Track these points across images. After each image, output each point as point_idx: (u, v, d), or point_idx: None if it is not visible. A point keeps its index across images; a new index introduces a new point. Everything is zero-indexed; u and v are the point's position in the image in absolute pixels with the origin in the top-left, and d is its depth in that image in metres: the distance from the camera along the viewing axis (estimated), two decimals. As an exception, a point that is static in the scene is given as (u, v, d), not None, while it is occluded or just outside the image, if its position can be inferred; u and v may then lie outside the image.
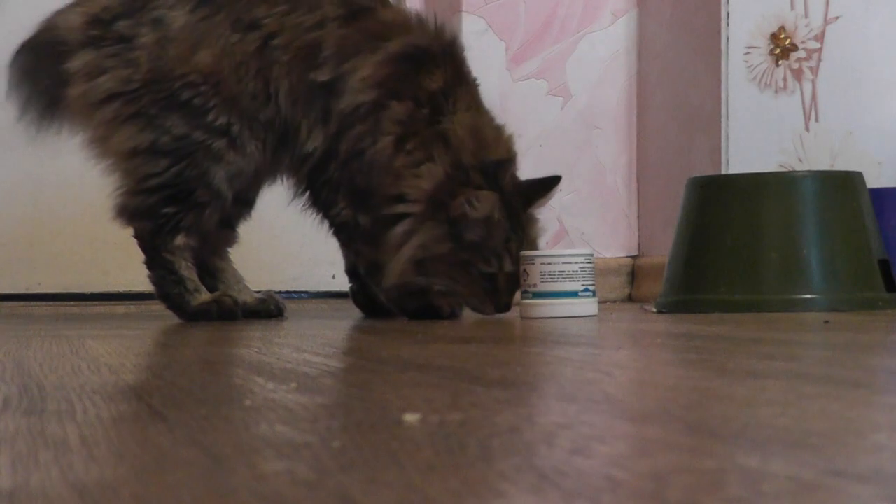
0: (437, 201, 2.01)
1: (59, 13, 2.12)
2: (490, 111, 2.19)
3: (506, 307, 2.08)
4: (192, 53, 2.03)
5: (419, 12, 2.26)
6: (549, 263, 2.03)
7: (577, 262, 2.04)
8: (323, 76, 2.04)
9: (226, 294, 2.15)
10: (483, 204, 1.99)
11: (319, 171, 2.09)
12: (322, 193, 2.11)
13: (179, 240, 2.09)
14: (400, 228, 2.04)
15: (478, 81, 2.19)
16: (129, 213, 2.11)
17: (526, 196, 2.10)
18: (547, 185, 2.14)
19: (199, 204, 2.07)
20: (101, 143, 2.10)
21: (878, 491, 0.56)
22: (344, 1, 2.08)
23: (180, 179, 2.05)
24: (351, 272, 2.25)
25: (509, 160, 2.11)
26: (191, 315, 2.11)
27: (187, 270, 2.11)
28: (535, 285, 2.03)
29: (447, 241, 2.02)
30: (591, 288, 2.06)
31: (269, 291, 2.29)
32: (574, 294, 2.04)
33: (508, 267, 2.03)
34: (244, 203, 2.23)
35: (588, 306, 2.06)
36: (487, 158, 2.06)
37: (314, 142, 2.06)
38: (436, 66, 2.08)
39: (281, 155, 2.12)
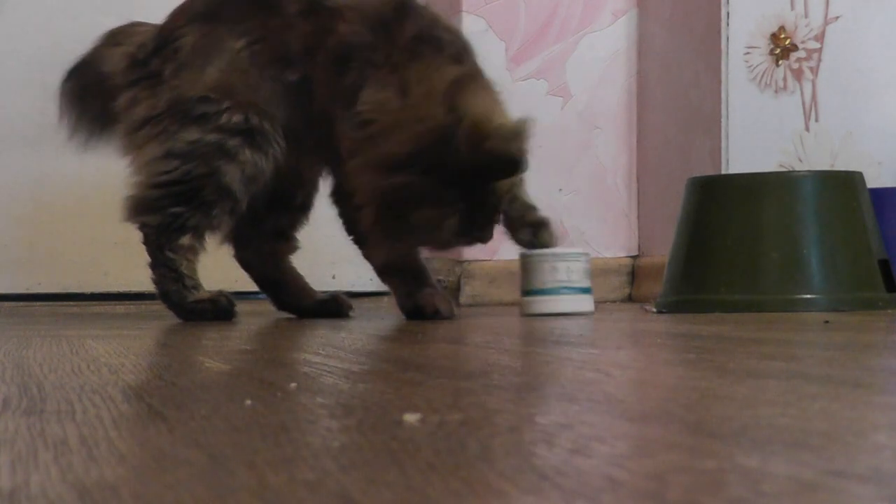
0: None
1: (105, 49, 2.29)
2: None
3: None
4: (201, 73, 2.13)
5: None
6: (548, 262, 2.06)
7: (575, 261, 2.07)
8: (293, 76, 2.11)
9: (222, 294, 2.17)
10: None
11: None
12: None
13: (185, 240, 2.13)
14: None
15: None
16: (138, 207, 2.17)
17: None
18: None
19: (207, 203, 2.11)
20: (133, 162, 2.22)
21: (878, 491, 0.56)
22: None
23: (189, 177, 2.11)
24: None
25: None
26: (187, 312, 2.15)
27: (188, 269, 2.14)
28: (534, 283, 2.07)
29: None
30: (587, 286, 2.11)
31: (335, 292, 2.33)
32: (572, 291, 2.07)
33: None
34: (299, 209, 2.28)
35: (584, 303, 2.10)
36: None
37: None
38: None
39: (322, 152, 2.16)
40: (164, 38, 2.20)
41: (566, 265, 2.07)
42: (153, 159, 2.15)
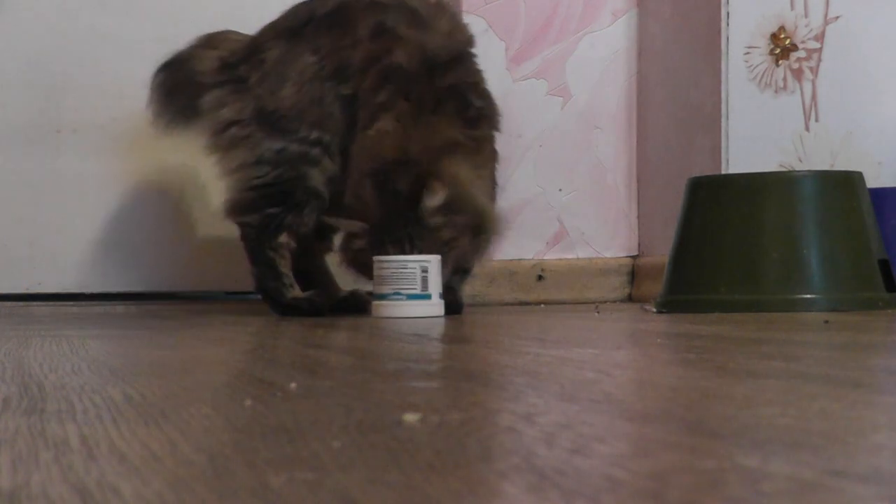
0: None
1: (199, 50, 2.48)
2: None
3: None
4: (279, 88, 2.35)
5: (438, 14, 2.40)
6: (386, 267, 2.17)
7: (412, 268, 2.16)
8: (346, 90, 2.32)
9: (318, 294, 2.35)
10: None
11: None
12: None
13: (282, 238, 2.33)
14: None
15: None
16: (238, 208, 2.37)
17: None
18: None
19: (298, 203, 2.32)
20: (221, 161, 2.41)
21: (878, 491, 0.56)
22: (373, 22, 2.35)
23: (281, 180, 2.33)
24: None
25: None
26: (284, 307, 2.32)
27: (285, 268, 2.34)
28: (380, 287, 2.18)
29: None
30: (424, 293, 2.17)
31: (355, 289, 2.46)
32: (416, 297, 2.16)
33: None
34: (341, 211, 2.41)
35: (427, 308, 2.17)
36: None
37: None
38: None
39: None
40: (254, 47, 2.41)
41: (405, 270, 2.17)
42: (245, 164, 2.36)
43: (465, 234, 2.23)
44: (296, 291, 2.34)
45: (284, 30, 2.40)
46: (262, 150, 2.34)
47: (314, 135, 2.33)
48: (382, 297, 2.18)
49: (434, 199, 2.17)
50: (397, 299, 2.17)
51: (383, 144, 2.24)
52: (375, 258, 2.19)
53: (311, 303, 2.32)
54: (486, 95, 2.39)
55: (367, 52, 2.32)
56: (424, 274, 2.17)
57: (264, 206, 2.33)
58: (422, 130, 2.25)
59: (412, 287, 2.17)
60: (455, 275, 2.31)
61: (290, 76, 2.35)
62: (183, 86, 2.47)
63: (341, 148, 2.33)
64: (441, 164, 2.21)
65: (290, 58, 2.36)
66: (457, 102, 2.31)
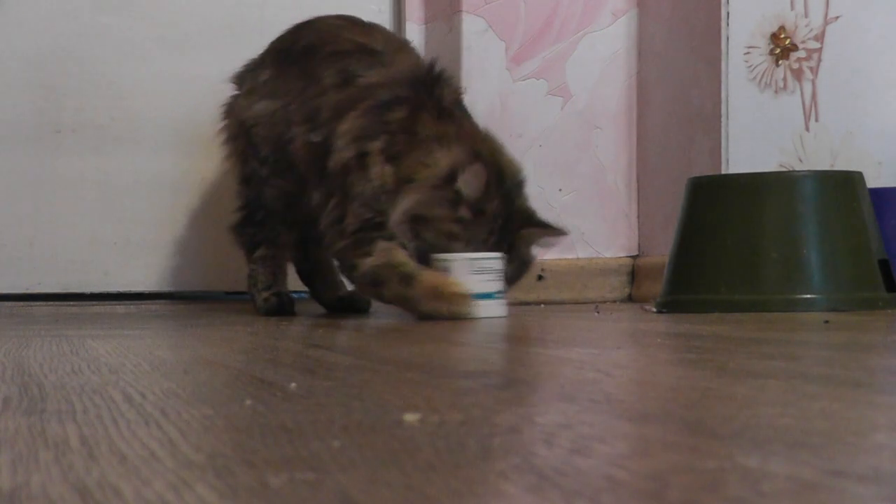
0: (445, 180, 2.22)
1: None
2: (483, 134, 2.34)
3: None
4: (255, 103, 2.45)
5: (410, 55, 2.42)
6: (469, 265, 2.14)
7: (493, 265, 2.15)
8: (316, 137, 2.36)
9: (280, 292, 2.42)
10: (475, 180, 2.18)
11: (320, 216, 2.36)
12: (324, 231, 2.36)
13: (259, 252, 2.45)
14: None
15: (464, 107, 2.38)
16: (230, 229, 2.50)
17: (526, 218, 2.27)
18: (548, 228, 2.31)
19: (259, 222, 2.45)
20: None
21: (878, 491, 0.56)
22: (339, 70, 2.39)
23: (248, 202, 2.46)
24: (305, 274, 2.58)
25: (523, 181, 2.32)
26: (258, 308, 2.43)
27: (263, 274, 2.44)
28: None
29: (444, 207, 2.19)
30: (501, 290, 2.17)
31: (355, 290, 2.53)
32: (489, 296, 2.13)
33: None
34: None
35: (497, 308, 2.15)
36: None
37: (314, 199, 2.35)
38: (400, 104, 2.30)
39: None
40: (260, 61, 2.51)
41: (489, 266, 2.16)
42: (237, 185, 2.50)
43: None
44: (267, 293, 2.42)
45: (274, 55, 2.49)
46: (241, 169, 2.48)
47: (264, 152, 2.42)
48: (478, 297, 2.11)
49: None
50: (499, 298, 2.16)
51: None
52: (441, 256, 2.17)
53: (279, 298, 2.41)
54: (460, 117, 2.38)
55: (334, 101, 2.35)
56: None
57: (243, 227, 2.47)
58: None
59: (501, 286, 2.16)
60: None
61: (266, 96, 2.44)
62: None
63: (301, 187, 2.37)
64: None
65: (270, 87, 2.45)
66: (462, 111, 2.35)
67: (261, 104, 2.45)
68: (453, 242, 2.19)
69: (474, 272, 2.13)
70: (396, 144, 2.25)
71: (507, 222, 2.23)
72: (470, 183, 2.18)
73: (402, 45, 2.48)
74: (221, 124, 2.52)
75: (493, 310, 2.13)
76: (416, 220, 2.20)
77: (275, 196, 2.43)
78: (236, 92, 2.51)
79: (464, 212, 2.18)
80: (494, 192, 2.21)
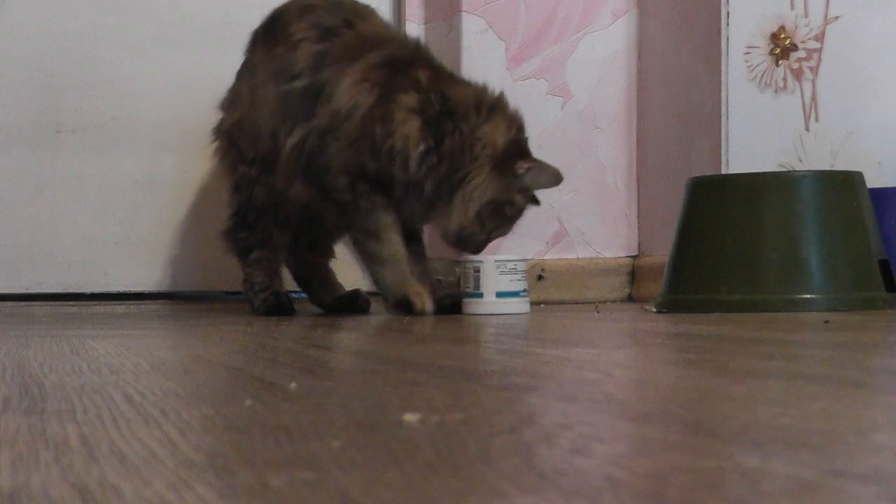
0: (502, 159, 2.29)
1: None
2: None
3: None
4: (228, 110, 2.46)
5: (385, 25, 2.45)
6: (496, 266, 2.29)
7: (518, 266, 2.30)
8: (300, 83, 2.32)
9: (278, 291, 2.42)
10: (541, 175, 2.33)
11: (310, 155, 2.33)
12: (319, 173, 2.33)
13: (254, 254, 2.44)
14: (471, 185, 2.28)
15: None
16: (222, 236, 2.49)
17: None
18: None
19: (252, 224, 2.43)
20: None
21: (878, 491, 0.56)
22: (313, 24, 2.37)
23: (239, 207, 2.44)
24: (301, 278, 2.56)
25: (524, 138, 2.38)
26: (254, 309, 2.44)
27: (258, 276, 2.43)
28: (475, 286, 2.29)
29: (507, 191, 2.29)
30: (527, 290, 2.32)
31: (356, 289, 2.54)
32: (516, 294, 2.29)
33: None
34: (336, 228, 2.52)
35: (521, 305, 2.30)
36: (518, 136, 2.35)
37: (294, 137, 2.32)
38: (419, 66, 2.31)
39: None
40: (231, 88, 2.49)
41: (513, 268, 2.31)
42: (229, 197, 2.47)
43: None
44: (264, 294, 2.42)
45: (243, 61, 2.48)
46: (232, 175, 2.46)
47: (249, 153, 2.41)
48: (502, 295, 2.29)
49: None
50: (524, 297, 2.31)
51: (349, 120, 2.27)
52: (471, 258, 2.30)
53: (277, 297, 2.41)
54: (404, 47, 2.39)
55: (311, 52, 2.33)
56: (477, 274, 2.29)
57: (237, 232, 2.45)
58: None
59: (466, 286, 2.30)
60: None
61: (238, 101, 2.44)
62: None
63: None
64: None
65: (239, 85, 2.45)
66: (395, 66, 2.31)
67: (235, 106, 2.44)
68: (504, 228, 2.32)
69: (502, 273, 2.29)
70: (431, 107, 2.25)
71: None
72: (535, 175, 2.29)
73: (369, 12, 2.45)
74: (214, 146, 2.51)
75: (518, 307, 2.29)
76: (488, 206, 2.27)
77: (265, 194, 2.39)
78: (223, 115, 2.50)
79: (519, 199, 2.30)
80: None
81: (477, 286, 2.29)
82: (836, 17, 2.70)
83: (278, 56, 2.36)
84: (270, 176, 2.37)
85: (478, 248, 2.31)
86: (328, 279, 2.54)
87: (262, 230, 2.42)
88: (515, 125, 2.32)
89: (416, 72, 2.28)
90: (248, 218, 2.42)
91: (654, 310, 2.32)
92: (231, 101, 2.47)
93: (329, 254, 2.56)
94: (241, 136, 2.42)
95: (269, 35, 2.42)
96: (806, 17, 2.70)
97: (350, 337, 1.76)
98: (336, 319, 2.22)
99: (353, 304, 2.48)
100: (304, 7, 2.40)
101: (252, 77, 2.42)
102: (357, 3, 2.45)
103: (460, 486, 0.59)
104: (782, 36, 2.69)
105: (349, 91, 2.27)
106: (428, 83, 2.27)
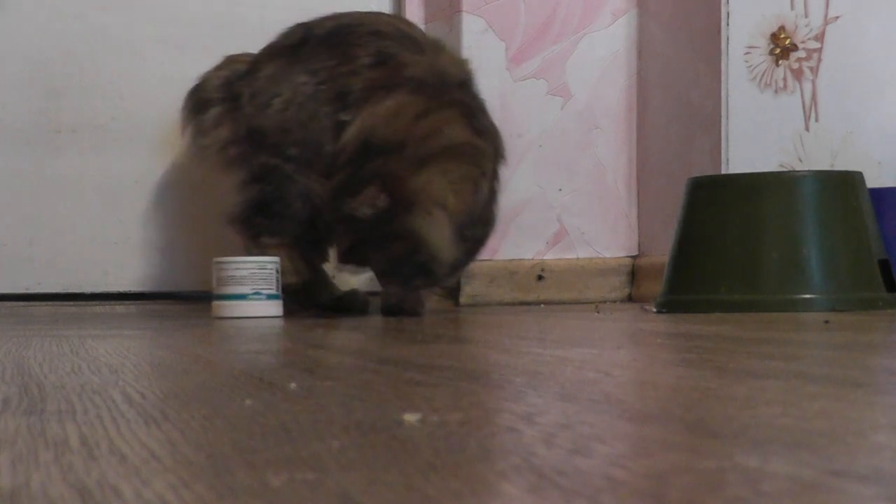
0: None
1: (213, 71, 2.60)
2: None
3: None
4: (268, 106, 2.45)
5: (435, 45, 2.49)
6: (224, 269, 2.29)
7: (247, 268, 2.28)
8: (346, 116, 2.40)
9: (305, 283, 2.47)
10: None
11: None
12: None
13: (265, 240, 2.47)
14: None
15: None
16: (232, 219, 2.51)
17: None
18: None
19: (276, 214, 2.46)
20: (227, 176, 2.57)
21: (878, 491, 0.56)
22: (375, 51, 2.44)
23: (263, 196, 2.46)
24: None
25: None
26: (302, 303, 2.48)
27: (285, 261, 2.46)
28: (216, 288, 2.30)
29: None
30: (264, 291, 2.29)
31: (353, 289, 2.59)
32: (243, 297, 2.28)
33: None
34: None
35: (262, 308, 2.29)
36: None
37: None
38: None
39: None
40: (252, 67, 2.51)
41: (239, 272, 2.30)
42: (242, 182, 2.49)
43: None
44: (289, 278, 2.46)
45: (280, 49, 2.49)
46: (253, 167, 2.47)
47: (292, 151, 2.43)
48: (242, 297, 2.27)
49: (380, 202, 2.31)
50: (257, 299, 2.28)
51: (388, 122, 2.33)
52: (222, 259, 2.31)
53: (295, 293, 2.44)
54: (490, 122, 2.47)
55: (369, 80, 2.40)
56: (278, 274, 2.32)
57: (253, 216, 2.46)
58: (427, 121, 2.33)
59: (270, 287, 2.30)
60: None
61: (280, 94, 2.45)
62: (200, 106, 2.59)
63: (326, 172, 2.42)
64: (420, 174, 2.31)
65: (282, 77, 2.46)
66: (464, 109, 2.39)
67: (265, 98, 2.45)
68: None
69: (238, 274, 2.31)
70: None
71: None
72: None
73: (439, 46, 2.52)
74: (216, 133, 2.51)
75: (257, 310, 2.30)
76: None
77: (297, 190, 2.43)
78: (217, 104, 2.51)
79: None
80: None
81: (278, 287, 2.31)
82: (836, 17, 2.70)
83: (338, 77, 2.41)
84: (308, 177, 2.41)
85: None
86: (325, 279, 2.55)
87: (280, 224, 2.45)
88: None
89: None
90: (274, 207, 2.45)
91: (654, 310, 2.32)
92: (262, 90, 2.47)
93: (326, 255, 2.57)
94: (272, 129, 2.43)
95: (331, 44, 2.45)
96: (806, 17, 2.70)
97: (350, 337, 1.76)
98: (336, 319, 2.22)
99: (351, 304, 2.49)
100: (374, 32, 2.45)
101: (298, 81, 2.44)
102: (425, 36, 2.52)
103: (460, 486, 0.59)
104: (782, 36, 2.69)
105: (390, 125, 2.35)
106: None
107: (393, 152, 2.32)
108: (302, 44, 2.48)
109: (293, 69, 2.46)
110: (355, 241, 2.38)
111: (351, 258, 2.41)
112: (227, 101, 2.53)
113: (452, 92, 2.40)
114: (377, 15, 2.53)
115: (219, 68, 2.60)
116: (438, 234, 2.31)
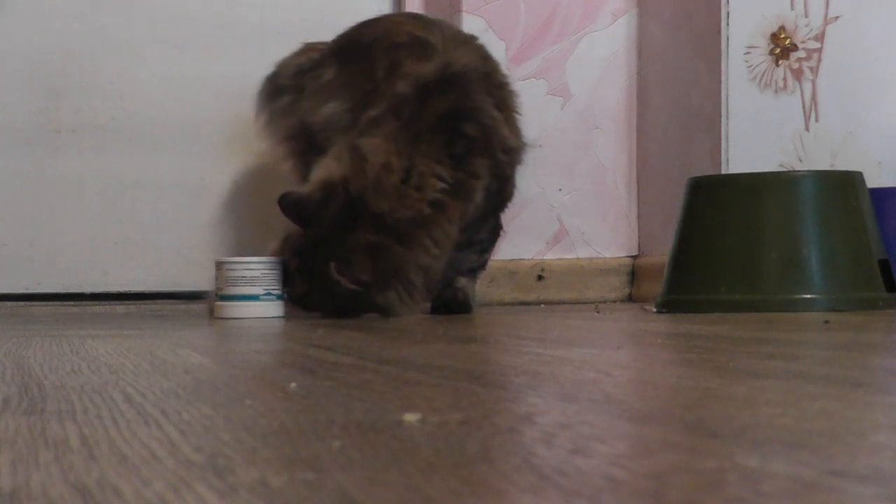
0: None
1: (290, 57, 2.57)
2: None
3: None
4: (322, 105, 2.43)
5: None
6: (233, 269, 2.24)
7: (258, 269, 2.24)
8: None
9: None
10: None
11: None
12: None
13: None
14: None
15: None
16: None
17: None
18: None
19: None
20: (281, 167, 2.56)
21: (878, 491, 0.56)
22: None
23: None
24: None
25: None
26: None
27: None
28: (221, 289, 2.25)
29: None
30: (273, 291, 2.25)
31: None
32: (255, 298, 2.23)
33: None
34: None
35: (270, 308, 2.25)
36: None
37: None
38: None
39: None
40: (321, 60, 2.49)
41: (250, 272, 2.25)
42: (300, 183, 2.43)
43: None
44: None
45: (341, 49, 2.48)
46: (303, 166, 2.43)
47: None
48: (255, 297, 2.23)
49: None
50: (269, 299, 2.25)
51: (367, 161, 2.23)
52: (229, 259, 2.28)
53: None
54: (485, 123, 2.32)
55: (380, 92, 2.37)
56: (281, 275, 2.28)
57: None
58: (409, 160, 2.23)
59: (277, 287, 2.26)
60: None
61: (333, 96, 2.42)
62: (275, 93, 2.57)
63: None
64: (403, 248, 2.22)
65: (337, 79, 2.43)
66: (445, 135, 2.25)
67: (328, 107, 2.44)
68: None
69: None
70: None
71: None
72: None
73: (465, 40, 2.46)
74: (278, 124, 2.50)
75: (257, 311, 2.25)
76: None
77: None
78: (289, 92, 2.49)
79: None
80: None
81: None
82: (836, 17, 2.70)
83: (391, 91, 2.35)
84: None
85: None
86: None
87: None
88: None
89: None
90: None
91: (654, 310, 2.32)
92: (315, 91, 2.45)
93: None
94: (326, 135, 2.41)
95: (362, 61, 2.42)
96: (806, 17, 2.70)
97: (350, 337, 1.76)
98: (336, 319, 2.22)
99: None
100: (391, 45, 2.42)
101: (342, 96, 2.42)
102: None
103: (460, 486, 0.59)
104: (782, 36, 2.69)
105: None
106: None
107: (380, 223, 2.21)
108: (349, 54, 2.46)
109: (345, 73, 2.43)
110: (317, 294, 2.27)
111: (305, 304, 2.30)
112: (296, 91, 2.52)
113: (436, 102, 2.29)
114: (396, 23, 2.48)
115: (296, 55, 2.58)
116: (407, 309, 2.24)
